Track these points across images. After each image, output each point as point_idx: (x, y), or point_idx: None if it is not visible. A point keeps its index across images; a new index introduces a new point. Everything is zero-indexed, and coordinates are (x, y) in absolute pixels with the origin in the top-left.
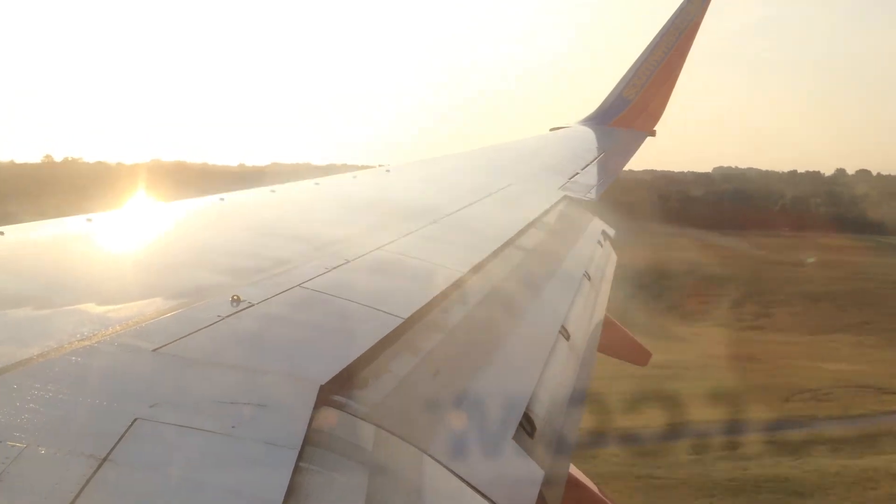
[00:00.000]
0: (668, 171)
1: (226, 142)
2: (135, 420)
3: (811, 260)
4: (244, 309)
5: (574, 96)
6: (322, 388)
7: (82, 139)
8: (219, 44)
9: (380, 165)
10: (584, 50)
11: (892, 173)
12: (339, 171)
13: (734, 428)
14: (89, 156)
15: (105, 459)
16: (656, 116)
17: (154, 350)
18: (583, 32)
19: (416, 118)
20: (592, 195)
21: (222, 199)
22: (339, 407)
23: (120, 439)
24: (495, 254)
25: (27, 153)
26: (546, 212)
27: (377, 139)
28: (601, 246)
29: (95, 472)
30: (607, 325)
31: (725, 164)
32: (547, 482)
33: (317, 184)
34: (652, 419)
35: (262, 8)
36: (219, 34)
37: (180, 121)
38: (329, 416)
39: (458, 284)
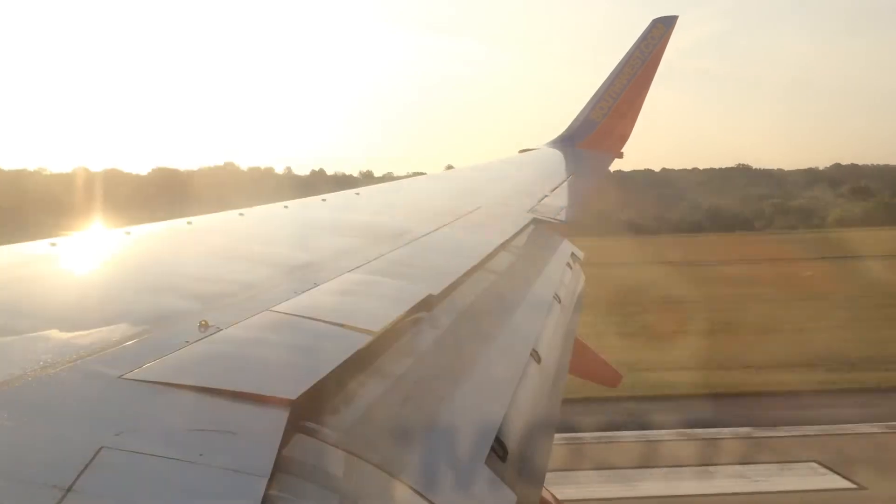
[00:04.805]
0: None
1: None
2: (100, 449)
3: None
4: (212, 334)
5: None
6: (291, 413)
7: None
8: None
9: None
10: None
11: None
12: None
13: None
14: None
15: (69, 490)
16: (623, 138)
17: (120, 377)
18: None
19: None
20: (562, 217)
21: (190, 223)
22: (310, 433)
23: (84, 469)
24: (465, 277)
25: None
26: (516, 234)
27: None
28: (570, 268)
29: (59, 503)
30: (578, 347)
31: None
32: None
33: (286, 207)
34: None
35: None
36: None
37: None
38: (299, 443)
39: (428, 308)
